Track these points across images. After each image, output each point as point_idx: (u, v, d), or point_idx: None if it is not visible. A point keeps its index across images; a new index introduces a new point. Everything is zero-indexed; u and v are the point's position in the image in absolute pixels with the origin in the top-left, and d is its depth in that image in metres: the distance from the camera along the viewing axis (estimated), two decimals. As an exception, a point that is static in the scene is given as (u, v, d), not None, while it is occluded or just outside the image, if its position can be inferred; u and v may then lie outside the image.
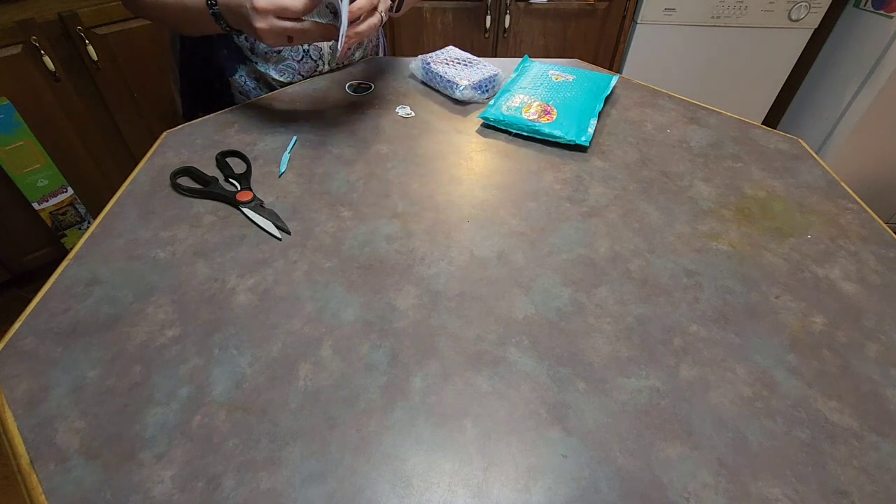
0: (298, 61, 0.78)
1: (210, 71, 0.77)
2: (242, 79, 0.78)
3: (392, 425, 0.36)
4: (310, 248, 0.51)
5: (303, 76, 0.80)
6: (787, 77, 1.73)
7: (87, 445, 0.34)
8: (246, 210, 0.54)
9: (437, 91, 0.79)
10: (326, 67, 0.82)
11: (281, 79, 0.78)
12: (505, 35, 1.61)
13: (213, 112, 0.71)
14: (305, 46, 0.77)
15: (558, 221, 0.55)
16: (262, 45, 0.74)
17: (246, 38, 0.74)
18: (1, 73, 1.14)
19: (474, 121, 0.72)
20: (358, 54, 0.86)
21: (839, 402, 0.39)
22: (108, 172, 1.44)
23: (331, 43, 0.79)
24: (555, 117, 0.68)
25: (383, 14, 0.59)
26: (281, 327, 0.43)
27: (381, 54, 0.94)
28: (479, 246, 0.51)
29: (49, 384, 0.38)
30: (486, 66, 0.79)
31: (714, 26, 1.61)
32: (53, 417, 0.36)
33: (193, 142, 0.65)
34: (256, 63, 0.76)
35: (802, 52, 1.67)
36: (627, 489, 0.33)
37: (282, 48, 0.75)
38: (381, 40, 0.93)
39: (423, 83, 0.82)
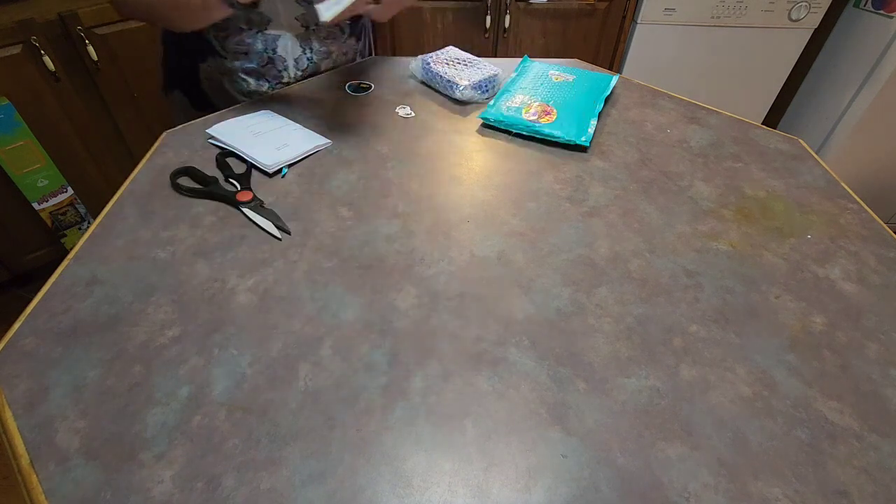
0: (263, 66, 0.76)
1: (190, 53, 0.76)
2: (210, 70, 0.77)
3: (392, 425, 0.36)
4: (310, 248, 0.51)
5: (269, 83, 0.78)
6: (787, 77, 1.73)
7: (87, 445, 0.34)
8: (246, 210, 0.54)
9: (437, 91, 0.79)
10: (292, 78, 0.79)
11: (248, 79, 0.76)
12: (505, 35, 1.61)
13: (192, 90, 0.72)
14: (270, 53, 0.75)
15: (558, 221, 0.55)
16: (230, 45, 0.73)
17: (216, 36, 0.72)
18: (1, 73, 1.14)
19: (474, 121, 0.72)
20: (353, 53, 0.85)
21: (839, 402, 0.38)
22: (108, 172, 1.44)
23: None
24: (555, 117, 0.68)
25: None
26: (281, 327, 0.43)
27: (369, 54, 0.93)
28: (479, 246, 0.51)
29: (49, 384, 0.38)
30: (486, 66, 0.79)
31: (714, 26, 1.60)
32: (53, 417, 0.36)
33: (193, 142, 0.65)
34: (225, 58, 0.74)
35: (802, 53, 1.67)
36: (627, 489, 0.33)
37: (248, 51, 0.73)
38: (367, 40, 0.92)
39: (423, 83, 0.82)
